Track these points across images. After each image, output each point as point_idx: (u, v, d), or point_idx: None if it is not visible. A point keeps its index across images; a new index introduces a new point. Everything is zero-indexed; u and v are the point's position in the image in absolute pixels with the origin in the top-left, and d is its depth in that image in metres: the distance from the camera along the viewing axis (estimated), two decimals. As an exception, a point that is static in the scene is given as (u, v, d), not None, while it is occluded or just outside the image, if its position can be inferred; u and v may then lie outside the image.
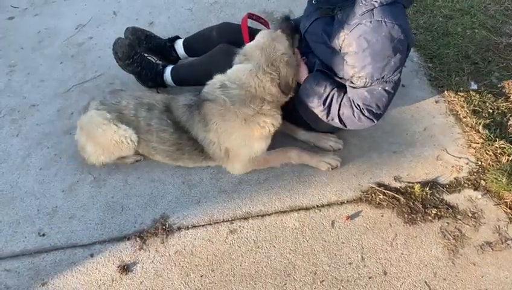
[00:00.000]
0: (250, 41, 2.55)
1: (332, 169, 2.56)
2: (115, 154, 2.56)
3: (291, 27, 2.53)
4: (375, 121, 2.32)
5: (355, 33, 2.11)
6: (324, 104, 2.35)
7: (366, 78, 2.17)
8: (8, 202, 2.58)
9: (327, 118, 2.40)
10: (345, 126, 2.41)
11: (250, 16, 2.89)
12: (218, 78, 2.44)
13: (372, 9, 2.06)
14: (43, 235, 2.42)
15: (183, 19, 3.79)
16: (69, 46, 3.64)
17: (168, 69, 2.93)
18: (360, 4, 2.09)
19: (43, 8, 4.10)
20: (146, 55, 2.96)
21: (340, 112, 2.32)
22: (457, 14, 3.64)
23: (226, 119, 2.38)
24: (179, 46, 3.09)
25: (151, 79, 2.95)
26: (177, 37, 3.16)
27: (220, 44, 2.73)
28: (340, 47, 2.22)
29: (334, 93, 2.32)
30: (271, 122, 2.40)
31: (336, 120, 2.37)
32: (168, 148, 2.51)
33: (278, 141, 2.62)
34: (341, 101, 2.31)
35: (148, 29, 3.62)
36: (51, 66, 3.48)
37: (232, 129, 2.40)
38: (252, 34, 2.65)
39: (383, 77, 2.16)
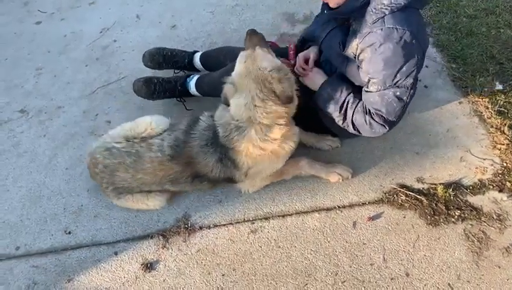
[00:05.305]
0: None
1: (343, 180, 2.53)
2: None
3: (262, 38, 2.39)
4: (387, 128, 2.29)
5: (367, 41, 2.11)
6: (340, 110, 2.34)
7: (378, 84, 2.17)
8: (36, 200, 2.66)
9: (343, 123, 2.39)
10: (359, 132, 2.39)
11: None
12: (227, 120, 2.27)
13: (383, 17, 2.06)
14: (69, 233, 2.48)
15: (205, 22, 3.83)
16: (94, 49, 3.73)
17: (192, 83, 2.94)
18: (371, 13, 2.08)
19: (69, 12, 4.21)
20: (164, 80, 2.98)
21: (353, 117, 2.31)
22: (482, 13, 3.57)
23: (254, 157, 2.28)
24: (197, 63, 3.11)
25: (179, 96, 3.03)
26: (195, 52, 3.17)
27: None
28: (355, 56, 2.22)
29: (349, 99, 2.32)
30: (292, 142, 2.33)
31: (351, 126, 2.37)
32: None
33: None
34: (355, 107, 2.30)
35: (170, 32, 3.68)
36: (76, 69, 3.57)
37: (261, 163, 2.33)
38: None
39: (395, 83, 2.15)
